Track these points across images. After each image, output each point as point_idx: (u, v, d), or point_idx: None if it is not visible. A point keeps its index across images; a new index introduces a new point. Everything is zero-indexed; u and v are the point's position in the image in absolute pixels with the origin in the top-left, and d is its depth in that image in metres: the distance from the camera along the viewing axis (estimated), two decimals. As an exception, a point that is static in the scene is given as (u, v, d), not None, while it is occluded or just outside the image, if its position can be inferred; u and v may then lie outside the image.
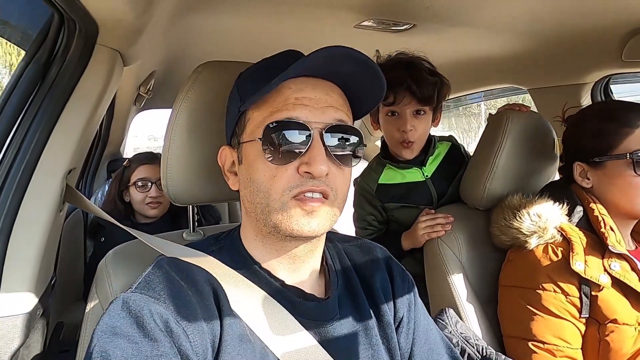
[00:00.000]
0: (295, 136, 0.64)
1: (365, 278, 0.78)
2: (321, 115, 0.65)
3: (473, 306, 1.23)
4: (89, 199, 2.14)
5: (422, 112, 1.35)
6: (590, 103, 1.58)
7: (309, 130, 0.64)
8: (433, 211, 1.36)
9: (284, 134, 0.63)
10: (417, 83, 1.29)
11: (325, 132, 0.64)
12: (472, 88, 2.05)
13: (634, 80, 1.62)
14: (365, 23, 1.31)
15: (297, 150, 0.64)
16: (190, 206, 0.96)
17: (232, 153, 0.72)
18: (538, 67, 1.63)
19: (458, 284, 1.25)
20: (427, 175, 1.42)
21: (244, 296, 0.65)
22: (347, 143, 0.67)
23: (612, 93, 1.59)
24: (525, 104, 1.46)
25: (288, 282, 0.69)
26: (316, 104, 0.65)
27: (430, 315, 1.26)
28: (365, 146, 0.72)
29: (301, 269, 0.71)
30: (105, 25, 0.79)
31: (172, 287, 0.61)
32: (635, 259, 1.05)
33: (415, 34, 1.37)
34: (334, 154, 0.65)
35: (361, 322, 0.72)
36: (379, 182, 1.44)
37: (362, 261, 0.80)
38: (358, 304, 0.74)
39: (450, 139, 1.53)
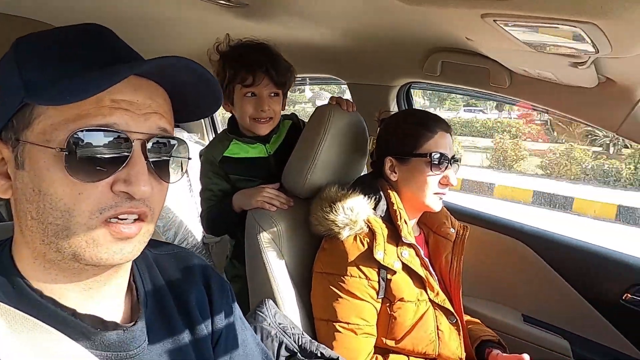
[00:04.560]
0: (112, 148, 0.52)
1: (180, 294, 0.71)
2: (144, 123, 0.55)
3: (290, 293, 1.30)
4: None
5: (276, 95, 1.46)
6: (395, 103, 1.80)
7: (129, 142, 0.53)
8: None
9: (97, 144, 0.51)
10: (275, 68, 1.41)
11: (149, 144, 0.55)
12: (298, 73, 2.09)
13: (429, 89, 1.90)
14: (194, -7, 1.17)
15: (112, 165, 0.52)
16: None
17: (3, 150, 0.55)
18: (357, 64, 1.76)
19: (277, 273, 1.29)
20: (269, 152, 1.52)
21: (16, 338, 0.51)
22: (172, 157, 0.59)
23: (412, 97, 1.85)
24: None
25: (81, 310, 0.57)
26: (138, 110, 0.54)
27: (249, 306, 1.29)
28: (191, 159, 0.64)
29: (100, 294, 0.60)
30: None
31: None
32: (419, 246, 1.26)
33: (247, 14, 1.30)
34: (155, 169, 0.56)
35: (174, 344, 0.66)
36: (224, 154, 1.51)
37: (176, 275, 0.73)
38: (171, 325, 0.67)
39: (292, 117, 1.63)
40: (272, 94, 1.44)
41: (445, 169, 1.27)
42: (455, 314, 1.26)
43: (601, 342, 1.48)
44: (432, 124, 1.28)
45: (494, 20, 0.62)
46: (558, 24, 0.58)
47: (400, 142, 1.31)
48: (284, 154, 1.47)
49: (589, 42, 0.63)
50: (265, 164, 1.51)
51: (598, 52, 0.71)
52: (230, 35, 1.42)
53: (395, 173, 1.32)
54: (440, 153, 1.25)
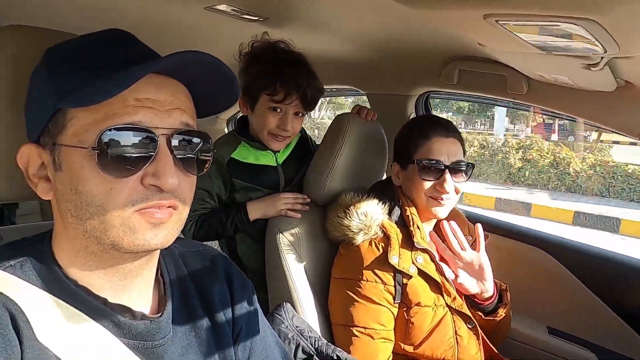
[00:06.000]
0: (139, 144, 0.56)
1: (203, 290, 0.74)
2: (167, 119, 0.58)
3: (309, 298, 1.32)
4: None
5: (301, 115, 1.41)
6: (414, 112, 1.82)
7: (155, 137, 0.57)
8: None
9: (125, 142, 0.55)
10: (311, 89, 1.34)
11: (173, 139, 0.58)
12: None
13: (447, 97, 1.92)
14: (218, 7, 1.24)
15: (140, 160, 0.56)
16: None
17: (42, 154, 0.60)
18: (376, 75, 1.80)
19: (296, 277, 1.32)
20: (278, 162, 1.48)
21: (52, 321, 0.56)
22: (196, 150, 0.62)
23: (430, 106, 1.86)
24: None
25: (112, 300, 0.61)
26: (161, 107, 0.58)
27: (268, 308, 1.31)
28: (215, 151, 0.69)
29: (132, 285, 0.64)
30: None
31: None
32: (434, 252, 1.26)
33: (268, 26, 1.36)
34: (182, 163, 0.60)
35: (197, 337, 0.69)
36: (232, 155, 1.43)
37: (200, 271, 0.76)
38: (194, 318, 0.71)
39: (301, 130, 1.59)
40: (298, 114, 1.39)
41: (441, 175, 1.24)
42: (473, 319, 1.25)
43: (629, 355, 1.43)
44: (427, 130, 1.28)
45: (497, 21, 0.64)
46: (558, 22, 0.59)
47: (401, 148, 1.35)
48: (291, 166, 1.49)
49: (593, 40, 0.64)
50: (274, 173, 1.47)
51: (606, 51, 0.72)
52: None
53: (399, 178, 1.35)
54: (429, 159, 1.25)
